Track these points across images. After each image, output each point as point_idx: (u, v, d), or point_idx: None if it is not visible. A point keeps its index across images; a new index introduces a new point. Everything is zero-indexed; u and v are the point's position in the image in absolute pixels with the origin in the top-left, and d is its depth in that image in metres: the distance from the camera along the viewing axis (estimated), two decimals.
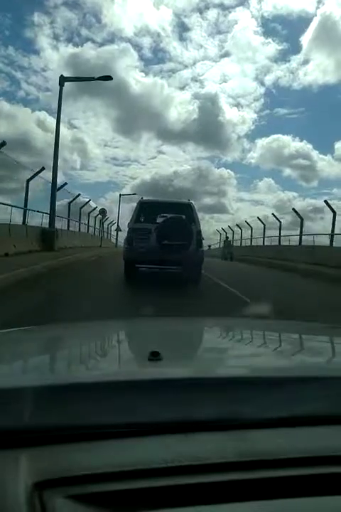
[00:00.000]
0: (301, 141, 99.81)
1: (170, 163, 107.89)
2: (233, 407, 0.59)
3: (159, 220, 8.58)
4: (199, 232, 8.38)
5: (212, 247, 37.67)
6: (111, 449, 0.54)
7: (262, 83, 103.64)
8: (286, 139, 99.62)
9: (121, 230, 35.25)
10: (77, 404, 0.57)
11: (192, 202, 9.09)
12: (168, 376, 0.65)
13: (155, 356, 0.70)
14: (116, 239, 37.57)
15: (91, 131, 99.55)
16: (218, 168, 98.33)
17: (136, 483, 0.49)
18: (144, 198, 9.53)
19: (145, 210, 8.91)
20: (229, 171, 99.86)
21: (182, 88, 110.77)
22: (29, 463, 0.51)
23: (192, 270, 8.23)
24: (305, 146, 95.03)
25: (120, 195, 37.39)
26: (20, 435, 0.54)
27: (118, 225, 37.28)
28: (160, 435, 0.56)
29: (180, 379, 0.64)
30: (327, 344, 1.18)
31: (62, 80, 16.88)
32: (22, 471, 0.49)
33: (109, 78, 16.47)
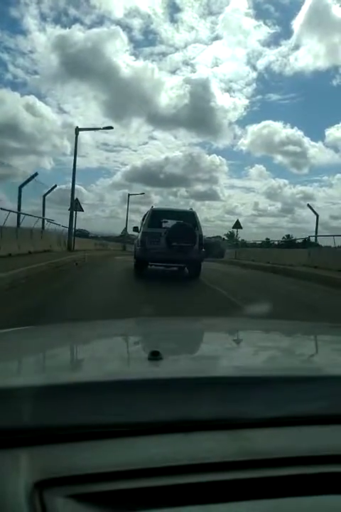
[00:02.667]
0: (292, 127, 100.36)
1: (161, 149, 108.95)
2: (233, 407, 0.59)
3: (166, 225, 10.04)
4: (201, 235, 10.00)
5: (220, 239, 30.60)
6: (112, 449, 0.54)
7: (254, 68, 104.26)
8: (277, 125, 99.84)
9: (82, 210, 19.85)
10: (77, 404, 0.57)
11: (195, 210, 11.06)
12: (168, 376, 0.66)
13: (155, 356, 0.70)
14: (72, 233, 18.72)
15: (81, 115, 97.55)
16: (209, 155, 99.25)
17: (136, 483, 0.49)
18: (155, 207, 11.19)
19: (156, 216, 10.27)
20: (220, 157, 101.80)
21: (173, 72, 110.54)
22: (29, 462, 0.51)
23: (195, 267, 10.06)
24: (296, 132, 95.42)
25: (77, 129, 19.15)
26: (20, 435, 0.54)
27: (76, 201, 19.11)
28: (161, 434, 0.56)
29: (180, 378, 0.64)
30: (327, 344, 1.18)
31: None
32: (22, 470, 0.49)
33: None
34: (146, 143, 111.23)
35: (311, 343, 1.20)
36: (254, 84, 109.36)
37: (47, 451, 0.53)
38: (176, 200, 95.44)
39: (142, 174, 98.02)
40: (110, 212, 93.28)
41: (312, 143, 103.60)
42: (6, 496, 0.46)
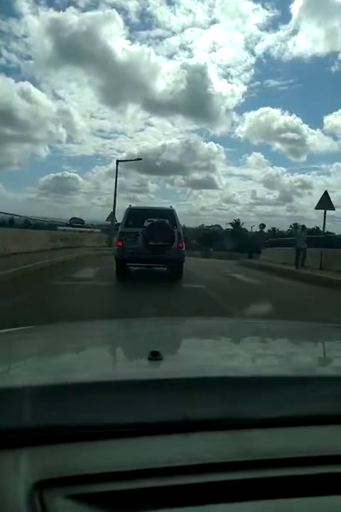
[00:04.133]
0: (291, 114, 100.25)
1: (158, 136, 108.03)
2: (233, 407, 0.59)
3: (145, 224, 9.79)
4: (180, 234, 9.84)
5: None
6: (112, 449, 0.53)
7: (253, 53, 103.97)
8: (276, 112, 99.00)
9: None
10: (77, 404, 0.57)
11: (174, 208, 10.83)
12: (168, 376, 0.65)
13: (155, 356, 0.70)
14: None
15: (76, 101, 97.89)
16: (207, 142, 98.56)
17: (137, 483, 0.49)
18: (132, 206, 10.94)
19: (134, 215, 10.17)
20: (218, 145, 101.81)
21: (170, 57, 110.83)
22: (29, 462, 0.50)
23: (175, 268, 9.87)
24: (294, 119, 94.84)
25: None
26: (20, 435, 0.54)
27: None
28: (161, 435, 0.55)
29: (180, 379, 0.63)
30: (327, 344, 1.17)
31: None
32: (22, 470, 0.49)
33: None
34: (143, 129, 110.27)
35: (311, 344, 1.17)
36: (253, 70, 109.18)
37: (47, 452, 0.52)
38: (173, 188, 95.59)
39: (138, 161, 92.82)
40: (107, 199, 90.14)
41: (311, 130, 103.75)
42: (6, 496, 0.45)
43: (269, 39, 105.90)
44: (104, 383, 0.60)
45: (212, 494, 0.48)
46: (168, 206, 11.24)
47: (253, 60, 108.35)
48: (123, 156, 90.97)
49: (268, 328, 1.40)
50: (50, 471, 0.49)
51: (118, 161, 28.69)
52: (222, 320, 1.96)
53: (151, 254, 9.44)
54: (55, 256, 12.97)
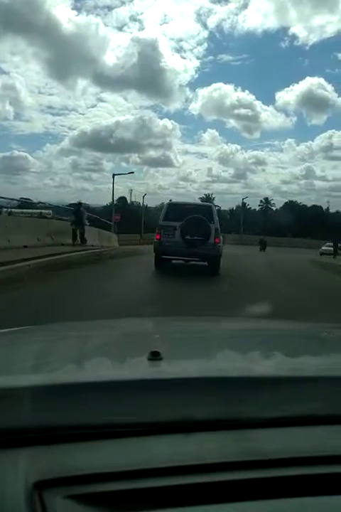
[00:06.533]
0: (243, 90, 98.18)
1: (111, 112, 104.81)
2: (234, 407, 0.59)
3: (183, 218, 10.36)
4: (217, 230, 10.19)
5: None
6: (112, 449, 0.53)
7: (205, 26, 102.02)
8: (229, 88, 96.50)
9: None
10: (77, 404, 0.57)
11: (212, 204, 11.53)
12: (168, 376, 0.65)
13: (155, 356, 0.70)
14: None
15: (22, 76, 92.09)
16: (161, 119, 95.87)
17: (137, 483, 0.48)
18: (172, 201, 11.92)
19: (172, 210, 10.71)
20: (172, 121, 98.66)
21: (120, 28, 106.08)
22: (29, 462, 0.51)
23: (212, 263, 10.22)
24: (247, 96, 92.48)
25: None
26: (20, 435, 0.54)
27: None
28: (161, 435, 0.56)
29: (181, 378, 0.64)
30: (327, 344, 1.17)
31: None
32: (22, 470, 0.49)
33: None
34: (95, 105, 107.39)
35: (311, 344, 1.18)
36: (205, 44, 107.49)
37: (47, 452, 0.52)
38: (129, 166, 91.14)
39: (91, 139, 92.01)
40: (60, 180, 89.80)
41: (264, 106, 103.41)
42: (6, 496, 0.45)
43: (221, 12, 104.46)
44: (104, 383, 0.60)
45: (212, 494, 0.48)
46: (207, 203, 11.71)
47: (205, 33, 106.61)
48: (74, 133, 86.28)
49: (268, 327, 1.40)
50: (49, 471, 0.49)
51: None
52: (222, 320, 1.95)
53: (187, 249, 9.80)
54: None
